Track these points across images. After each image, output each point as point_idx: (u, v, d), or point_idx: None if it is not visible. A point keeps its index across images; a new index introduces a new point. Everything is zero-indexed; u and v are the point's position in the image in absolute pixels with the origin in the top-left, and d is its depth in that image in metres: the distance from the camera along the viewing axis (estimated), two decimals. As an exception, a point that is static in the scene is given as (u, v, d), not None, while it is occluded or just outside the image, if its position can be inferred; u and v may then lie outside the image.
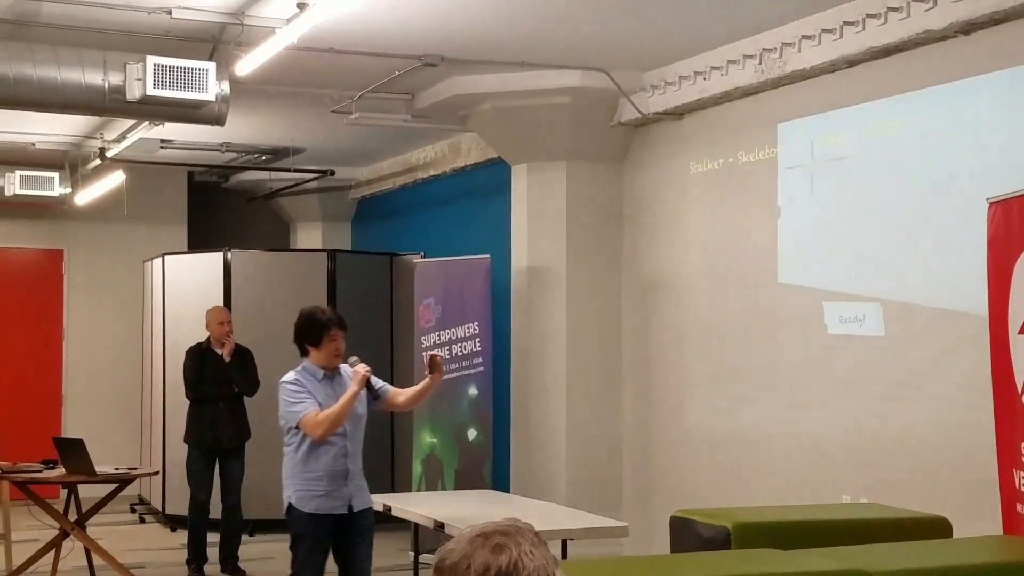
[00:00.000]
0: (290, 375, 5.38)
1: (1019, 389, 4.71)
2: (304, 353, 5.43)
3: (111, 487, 7.90)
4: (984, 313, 5.08)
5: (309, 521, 5.29)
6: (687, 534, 4.78)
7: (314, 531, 5.30)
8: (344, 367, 5.45)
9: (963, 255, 5.77)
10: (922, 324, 6.10)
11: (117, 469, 8.03)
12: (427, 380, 5.50)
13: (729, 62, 7.16)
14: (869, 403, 6.42)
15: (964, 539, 4.86)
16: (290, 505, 5.34)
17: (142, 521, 10.48)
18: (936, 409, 5.99)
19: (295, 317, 9.81)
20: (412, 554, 7.88)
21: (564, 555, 6.02)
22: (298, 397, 5.29)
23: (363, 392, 5.36)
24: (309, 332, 5.39)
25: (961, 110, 5.90)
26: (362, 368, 5.35)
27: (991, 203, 5.04)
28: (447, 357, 8.93)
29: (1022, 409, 4.69)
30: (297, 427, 5.29)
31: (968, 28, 5.69)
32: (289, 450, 5.38)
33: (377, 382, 5.46)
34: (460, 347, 8.93)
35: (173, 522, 9.81)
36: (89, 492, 7.99)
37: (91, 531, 7.99)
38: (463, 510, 6.46)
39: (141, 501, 10.98)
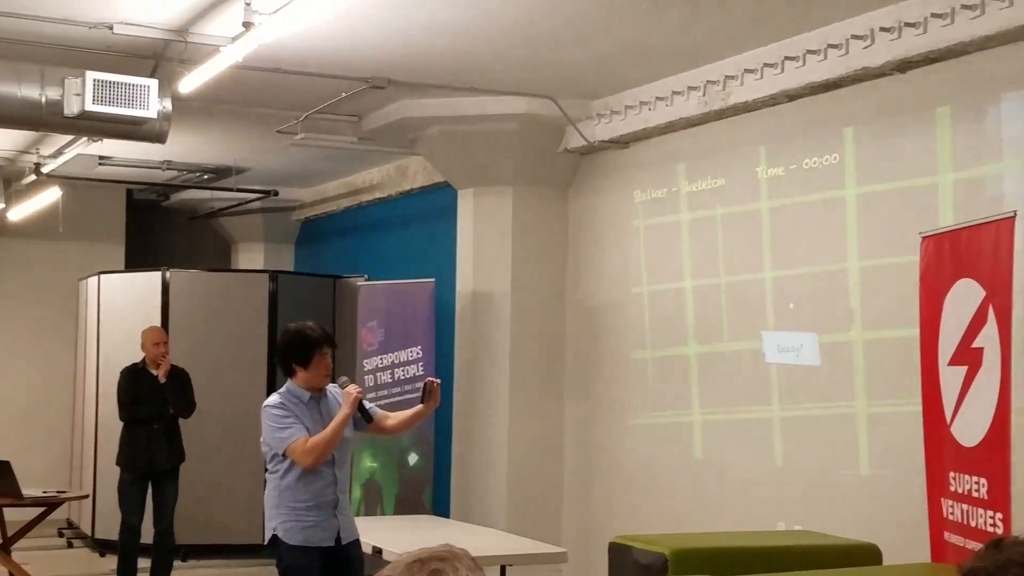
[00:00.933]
0: (273, 398, 5.01)
1: (948, 419, 4.79)
2: (290, 374, 5.05)
3: (38, 510, 7.77)
4: (916, 344, 5.16)
5: (299, 554, 4.93)
6: (625, 560, 4.81)
7: (305, 564, 4.94)
8: (330, 388, 5.12)
9: (897, 287, 5.86)
10: (857, 354, 6.18)
11: (45, 492, 7.90)
12: (420, 407, 5.20)
13: (674, 93, 7.25)
14: (805, 431, 6.49)
15: (893, 566, 4.93)
16: (275, 537, 4.97)
17: (70, 546, 10.29)
18: (868, 438, 6.07)
19: (234, 338, 9.82)
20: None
21: (502, 581, 6.01)
22: (284, 423, 4.92)
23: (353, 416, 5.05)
24: (298, 350, 4.99)
25: (898, 144, 6.01)
26: (353, 389, 4.99)
27: (924, 237, 5.14)
28: (389, 381, 8.91)
29: (951, 439, 4.77)
30: (284, 454, 4.93)
31: (904, 66, 5.81)
32: (274, 478, 4.99)
33: (366, 403, 5.16)
34: (403, 371, 8.91)
35: (102, 547, 9.65)
36: (15, 515, 7.85)
37: (16, 556, 7.85)
38: (402, 535, 6.43)
39: (70, 525, 10.79)
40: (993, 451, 4.50)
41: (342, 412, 4.96)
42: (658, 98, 7.39)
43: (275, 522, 4.98)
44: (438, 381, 5.23)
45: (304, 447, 4.89)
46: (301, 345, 5.01)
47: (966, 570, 2.00)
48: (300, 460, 4.90)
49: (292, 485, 4.95)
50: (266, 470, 5.10)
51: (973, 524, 4.57)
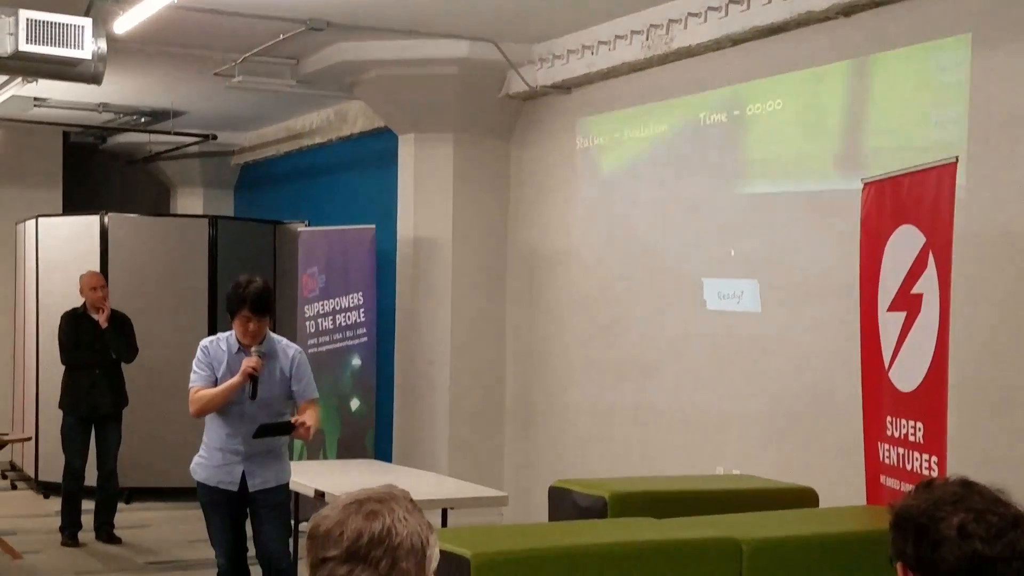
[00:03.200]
0: (204, 340, 5.17)
1: (886, 364, 4.85)
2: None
3: (-20, 454, 7.70)
4: (855, 290, 5.21)
5: (203, 490, 5.19)
6: (565, 503, 4.84)
7: (207, 500, 5.20)
8: (285, 347, 5.16)
9: (838, 232, 5.91)
10: (796, 301, 6.24)
11: (-13, 435, 7.83)
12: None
13: (617, 37, 7.21)
14: (744, 377, 6.56)
15: (829, 509, 5.01)
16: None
17: (14, 488, 10.22)
18: (807, 384, 6.15)
19: (173, 284, 9.71)
20: (291, 523, 7.82)
21: (444, 523, 6.04)
22: (197, 367, 5.11)
23: (278, 379, 5.10)
24: (228, 302, 5.08)
25: (841, 90, 6.03)
26: (248, 362, 5.01)
27: (865, 184, 5.16)
28: (331, 327, 8.87)
29: (888, 384, 4.83)
30: None
31: (848, 10, 5.82)
32: None
33: (298, 383, 5.12)
34: (344, 317, 8.87)
35: (46, 489, 9.60)
36: (-43, 458, 7.78)
37: (-42, 499, 7.79)
38: (344, 479, 6.43)
39: (13, 467, 10.71)
40: (930, 396, 4.56)
41: (231, 380, 5.05)
42: (601, 42, 7.35)
43: (195, 456, 5.25)
44: (310, 427, 5.06)
45: (192, 396, 5.12)
46: (230, 298, 5.10)
47: (898, 509, 2.03)
48: (189, 406, 5.14)
49: (207, 426, 5.21)
50: None
51: (909, 467, 4.65)
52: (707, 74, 6.83)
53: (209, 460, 5.18)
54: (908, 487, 4.56)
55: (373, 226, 8.90)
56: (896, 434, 4.76)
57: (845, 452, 5.64)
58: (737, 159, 6.66)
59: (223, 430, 5.14)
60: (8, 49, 6.01)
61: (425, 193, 8.60)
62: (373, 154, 9.84)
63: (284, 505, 5.34)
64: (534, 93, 8.09)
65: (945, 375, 4.52)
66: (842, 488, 5.46)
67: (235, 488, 5.16)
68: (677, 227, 7.08)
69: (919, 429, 4.60)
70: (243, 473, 5.15)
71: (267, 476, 5.20)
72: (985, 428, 5.17)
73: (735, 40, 6.50)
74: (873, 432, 4.97)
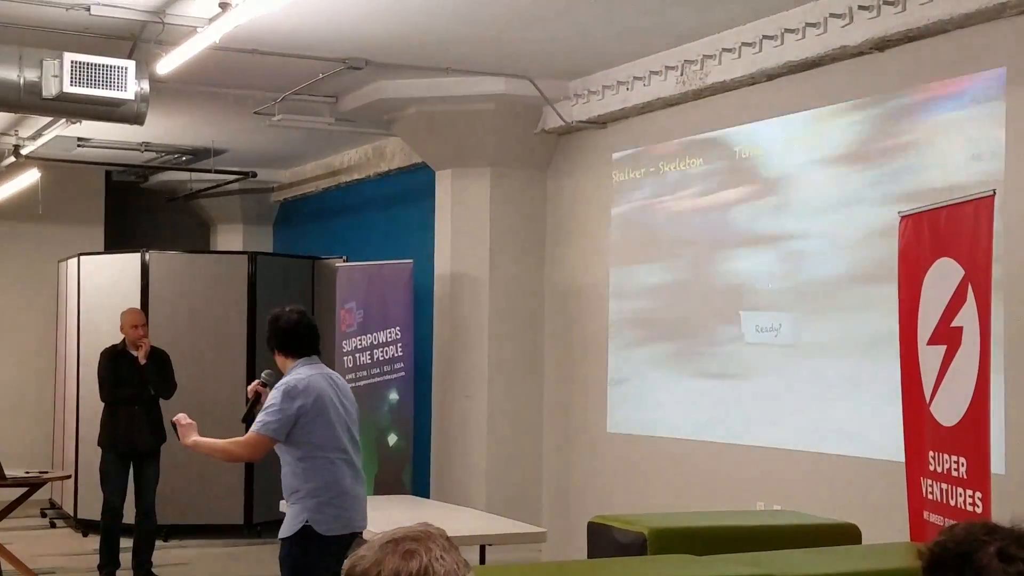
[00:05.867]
0: None
1: (927, 398, 4.81)
2: None
3: (21, 491, 7.76)
4: (895, 323, 5.18)
5: None
6: (604, 539, 4.82)
7: None
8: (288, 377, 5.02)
9: (876, 265, 5.89)
10: (835, 334, 6.21)
11: (28, 473, 7.89)
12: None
13: (652, 73, 7.24)
14: (784, 411, 6.52)
15: (872, 546, 4.95)
16: None
17: (53, 526, 10.28)
18: (848, 417, 6.10)
19: (213, 320, 9.79)
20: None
21: (482, 560, 6.03)
22: None
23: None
24: None
25: (876, 125, 6.02)
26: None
27: (903, 217, 5.15)
28: (368, 362, 8.91)
29: (930, 418, 4.79)
30: None
31: (882, 44, 5.82)
32: None
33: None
34: (382, 352, 8.90)
35: (85, 527, 9.64)
36: (-2, 496, 7.84)
37: (-1, 536, 7.84)
38: (381, 516, 6.43)
39: (52, 505, 10.78)
40: (972, 430, 4.52)
41: None
42: (636, 78, 7.38)
43: None
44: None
45: None
46: None
47: (931, 550, 2.04)
48: None
49: None
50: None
51: (953, 503, 4.60)
52: (741, 109, 6.84)
53: None
54: (952, 523, 4.52)
55: (411, 261, 8.94)
56: (939, 469, 4.71)
57: (887, 487, 5.59)
58: (772, 192, 6.65)
59: None
60: (53, 91, 6.12)
61: (462, 228, 8.64)
62: (410, 190, 9.90)
63: (283, 561, 4.84)
64: (570, 128, 8.13)
65: (987, 409, 4.48)
66: (885, 524, 5.40)
67: None
68: (714, 260, 7.07)
69: (962, 464, 4.56)
70: None
71: (285, 524, 4.88)
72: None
73: (769, 75, 6.52)
74: (915, 467, 4.93)
